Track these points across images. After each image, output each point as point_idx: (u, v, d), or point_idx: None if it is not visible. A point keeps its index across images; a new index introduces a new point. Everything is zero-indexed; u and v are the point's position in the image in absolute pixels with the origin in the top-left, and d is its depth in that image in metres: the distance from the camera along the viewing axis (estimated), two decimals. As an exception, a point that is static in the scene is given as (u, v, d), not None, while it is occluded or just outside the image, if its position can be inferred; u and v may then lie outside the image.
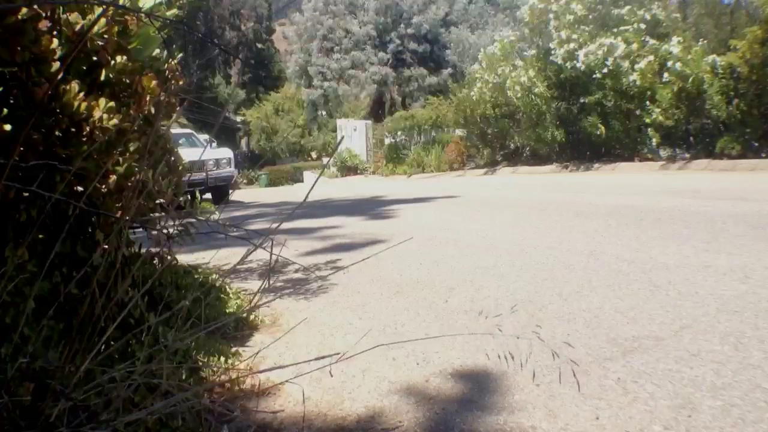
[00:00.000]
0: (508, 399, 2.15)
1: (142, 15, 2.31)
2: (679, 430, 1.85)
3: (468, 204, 8.99)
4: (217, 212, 2.95)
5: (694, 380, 2.17)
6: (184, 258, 3.88)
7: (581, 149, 17.03)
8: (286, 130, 48.32)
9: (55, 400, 1.56)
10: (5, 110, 1.89)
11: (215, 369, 2.42)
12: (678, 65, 13.90)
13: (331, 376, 2.02)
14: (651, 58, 14.77)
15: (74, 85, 2.02)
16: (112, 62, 2.25)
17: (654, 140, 14.96)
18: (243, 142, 56.68)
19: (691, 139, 14.57)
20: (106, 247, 1.94)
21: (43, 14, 1.91)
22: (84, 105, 2.02)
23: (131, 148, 2.26)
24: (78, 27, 2.09)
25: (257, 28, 59.59)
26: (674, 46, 14.42)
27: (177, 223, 2.55)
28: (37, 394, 1.57)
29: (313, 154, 47.24)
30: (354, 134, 30.14)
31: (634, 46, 15.33)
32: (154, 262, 2.59)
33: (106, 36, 2.17)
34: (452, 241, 5.55)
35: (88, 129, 2.06)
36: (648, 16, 15.92)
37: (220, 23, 57.54)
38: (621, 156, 15.92)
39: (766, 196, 7.03)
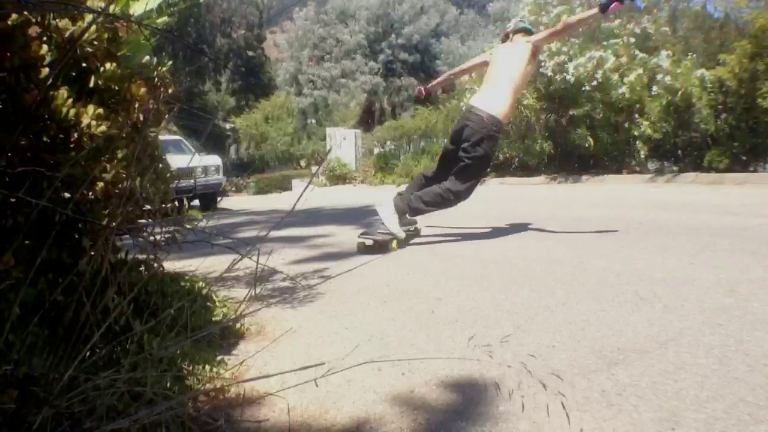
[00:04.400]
0: (492, 410, 2.15)
1: (133, 23, 2.31)
2: (663, 443, 1.86)
3: (455, 215, 9.00)
4: (204, 220, 2.95)
5: (678, 393, 2.18)
6: (171, 265, 3.87)
7: (570, 161, 17.08)
8: (276, 138, 48.36)
9: (39, 408, 1.55)
10: (-7, 116, 1.88)
11: (200, 377, 2.41)
12: (667, 79, 13.98)
13: (317, 386, 2.02)
14: (640, 71, 14.84)
15: (63, 92, 2.02)
16: (102, 69, 2.25)
17: (642, 153, 15.03)
18: (232, 149, 56.65)
19: (680, 152, 14.65)
20: (93, 253, 1.93)
21: (33, 20, 1.92)
22: (72, 111, 2.02)
23: (119, 155, 2.25)
24: (68, 33, 2.09)
25: (248, 36, 59.66)
26: (663, 59, 14.51)
27: (164, 230, 2.55)
28: (21, 401, 1.57)
29: (302, 163, 47.26)
30: (343, 143, 30.20)
31: (624, 59, 15.40)
32: (141, 269, 2.59)
33: (96, 43, 2.17)
34: (440, 252, 5.55)
35: (76, 135, 2.06)
36: (638, 30, 16.00)
37: (212, 30, 57.59)
38: (609, 168, 15.99)
39: (753, 210, 7.08)
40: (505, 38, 6.52)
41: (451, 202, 5.98)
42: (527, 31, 6.32)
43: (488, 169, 6.17)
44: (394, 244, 5.99)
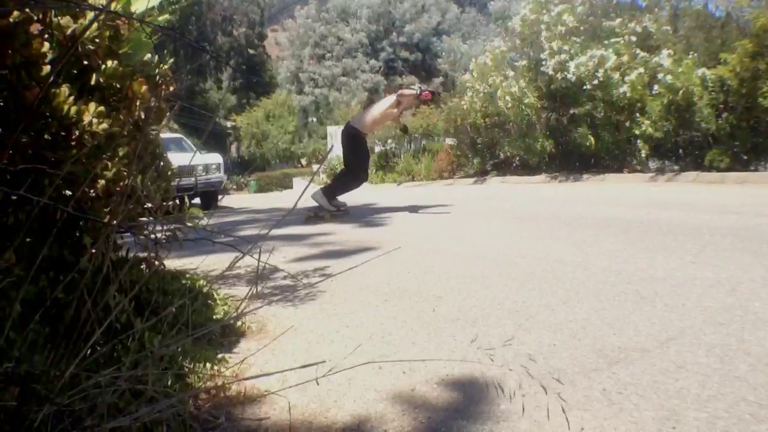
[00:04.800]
0: (493, 408, 2.15)
1: (134, 20, 2.31)
2: (664, 442, 1.86)
3: (457, 213, 9.01)
4: (205, 218, 2.95)
5: (679, 392, 2.18)
6: (172, 263, 3.87)
7: (571, 160, 17.06)
8: (277, 136, 48.39)
9: (40, 405, 1.55)
10: (-6, 113, 1.88)
11: (201, 375, 2.41)
12: (668, 78, 13.95)
13: (318, 385, 2.02)
14: (641, 70, 14.81)
15: (64, 89, 2.02)
16: (103, 66, 2.25)
17: (643, 152, 15.00)
18: (233, 147, 56.75)
19: (681, 151, 14.61)
20: (94, 251, 1.93)
21: (35, 17, 1.91)
22: (74, 109, 2.02)
23: (120, 153, 2.25)
24: (69, 31, 2.09)
25: (249, 33, 59.66)
26: (664, 58, 14.48)
27: (165, 228, 2.55)
28: (22, 399, 1.57)
29: (303, 161, 47.32)
30: (344, 141, 30.14)
31: (625, 58, 15.38)
32: (142, 267, 2.59)
33: (97, 40, 2.17)
34: (440, 250, 5.55)
35: (77, 133, 2.06)
36: (639, 29, 15.96)
37: (213, 28, 57.57)
38: (610, 167, 15.97)
39: (754, 209, 7.07)
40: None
41: (357, 182, 9.78)
42: (416, 91, 9.62)
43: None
44: (327, 215, 9.37)
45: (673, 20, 16.92)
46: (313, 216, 9.25)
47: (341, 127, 10.70)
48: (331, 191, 9.62)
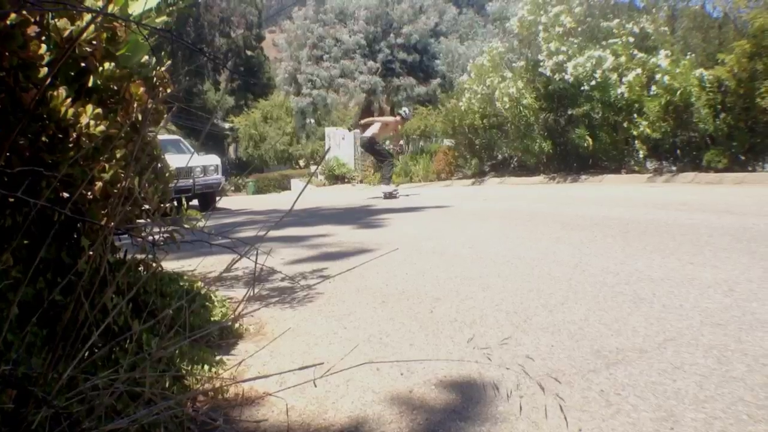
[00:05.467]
0: (491, 410, 2.15)
1: (131, 22, 2.31)
2: (661, 443, 1.86)
3: (455, 214, 9.00)
4: (203, 220, 2.94)
5: (677, 393, 2.18)
6: (170, 265, 3.86)
7: (569, 161, 17.09)
8: (275, 137, 48.42)
9: (38, 407, 1.55)
10: (-8, 115, 1.88)
11: (199, 377, 2.41)
12: (666, 78, 13.95)
13: (315, 386, 2.02)
14: (639, 71, 14.82)
15: (62, 91, 2.02)
16: (100, 69, 2.25)
17: (641, 153, 15.01)
18: (231, 149, 56.75)
19: (678, 151, 14.63)
20: (91, 253, 1.93)
21: (32, 20, 1.91)
22: (71, 111, 2.02)
23: (118, 155, 2.25)
24: (66, 33, 2.09)
25: (247, 35, 59.69)
26: (662, 59, 14.48)
27: (163, 230, 2.55)
28: (20, 401, 1.56)
29: (301, 162, 47.34)
30: (342, 143, 30.28)
31: (623, 58, 15.39)
32: (140, 269, 2.58)
33: (94, 42, 2.17)
34: (438, 251, 5.55)
35: (74, 135, 2.05)
36: (637, 30, 15.98)
37: (210, 30, 57.58)
38: (608, 168, 16.00)
39: (752, 210, 7.07)
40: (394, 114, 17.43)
41: (391, 166, 15.27)
42: (401, 115, 15.50)
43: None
44: (394, 193, 14.55)
45: (670, 21, 16.90)
46: (389, 196, 14.26)
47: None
48: (386, 180, 14.81)
